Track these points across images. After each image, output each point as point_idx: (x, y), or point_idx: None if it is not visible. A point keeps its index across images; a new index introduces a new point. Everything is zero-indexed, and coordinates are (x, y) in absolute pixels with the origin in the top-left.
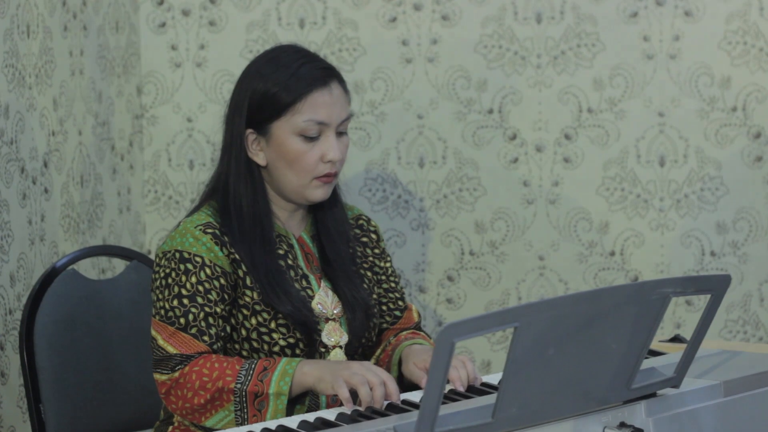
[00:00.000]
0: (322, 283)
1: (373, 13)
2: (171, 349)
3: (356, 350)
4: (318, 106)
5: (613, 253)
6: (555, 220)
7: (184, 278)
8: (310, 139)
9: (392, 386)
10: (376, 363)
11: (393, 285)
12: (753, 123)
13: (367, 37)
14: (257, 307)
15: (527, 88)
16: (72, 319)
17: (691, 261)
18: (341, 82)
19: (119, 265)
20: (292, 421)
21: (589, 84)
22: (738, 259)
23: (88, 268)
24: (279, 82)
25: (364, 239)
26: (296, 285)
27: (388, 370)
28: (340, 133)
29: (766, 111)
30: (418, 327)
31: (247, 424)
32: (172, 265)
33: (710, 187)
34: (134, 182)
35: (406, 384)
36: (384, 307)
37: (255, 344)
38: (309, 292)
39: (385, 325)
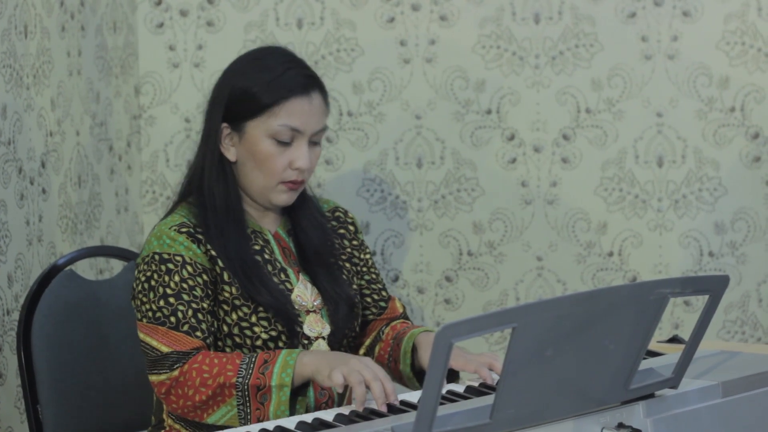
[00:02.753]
0: (301, 276)
1: (371, 13)
2: (165, 348)
3: (340, 342)
4: (295, 113)
5: (611, 254)
6: (553, 221)
7: (167, 278)
8: (282, 143)
9: (389, 385)
10: (369, 354)
11: (374, 276)
12: (751, 123)
13: (365, 37)
14: (237, 302)
15: (525, 88)
16: (70, 319)
17: (689, 261)
18: (323, 93)
19: (117, 265)
20: (290, 422)
21: (588, 84)
22: (736, 260)
23: (85, 269)
24: (261, 83)
25: (341, 231)
26: (275, 279)
27: (395, 359)
28: (313, 143)
29: (764, 111)
30: (405, 317)
31: (250, 417)
32: (153, 267)
33: (708, 187)
34: (132, 183)
35: (417, 370)
36: (368, 299)
37: (237, 339)
38: (288, 285)
39: (371, 317)
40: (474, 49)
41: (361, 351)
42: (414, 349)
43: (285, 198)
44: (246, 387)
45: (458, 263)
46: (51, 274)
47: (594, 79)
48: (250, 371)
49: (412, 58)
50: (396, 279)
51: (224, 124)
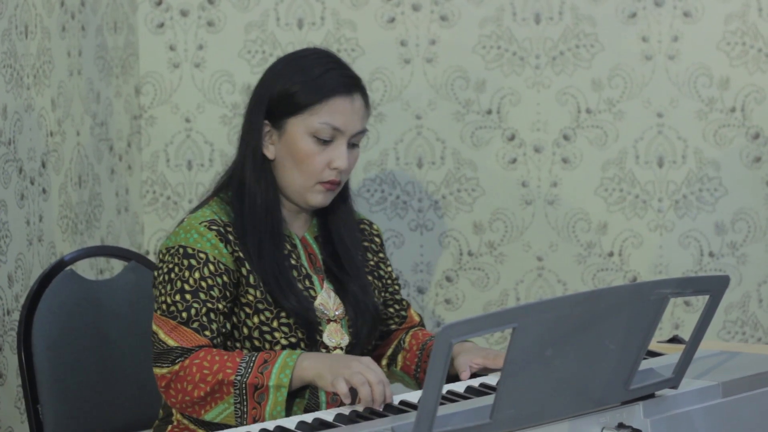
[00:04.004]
0: (325, 284)
1: (371, 13)
2: (172, 343)
3: (357, 353)
4: (337, 111)
5: (611, 254)
6: (553, 221)
7: (187, 273)
8: (322, 142)
9: (388, 391)
10: (392, 363)
11: (397, 287)
12: (752, 124)
13: (366, 37)
14: (260, 306)
15: (526, 88)
16: (70, 319)
17: (689, 262)
18: (365, 95)
19: (117, 265)
20: (290, 422)
21: (588, 85)
22: (737, 260)
23: (86, 269)
24: (304, 81)
25: (366, 243)
26: (299, 285)
27: (425, 370)
28: (353, 145)
29: (764, 112)
30: (422, 325)
31: (246, 416)
32: (176, 260)
33: (709, 187)
34: (132, 183)
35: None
36: (391, 310)
37: (256, 343)
38: (311, 292)
39: (393, 326)
40: (474, 49)
41: (384, 361)
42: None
43: (321, 199)
44: (244, 385)
45: (458, 263)
46: (51, 274)
47: (594, 79)
48: (250, 370)
49: (412, 59)
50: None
51: (265, 122)
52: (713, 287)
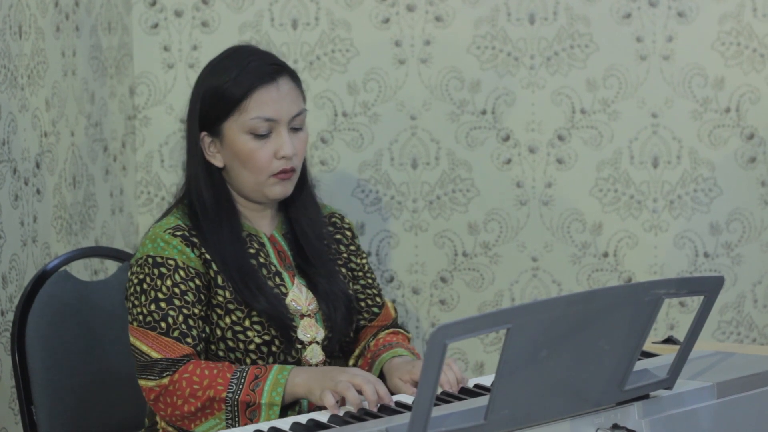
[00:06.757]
0: (296, 280)
1: (366, 13)
2: (155, 354)
3: (335, 347)
4: (265, 102)
5: (606, 255)
6: (548, 222)
7: (159, 282)
8: (261, 136)
9: (382, 389)
10: (355, 364)
11: (370, 281)
12: (746, 124)
13: (361, 38)
14: (230, 306)
15: (520, 89)
16: (64, 320)
17: (684, 262)
18: (293, 77)
19: (111, 266)
20: (285, 423)
21: (583, 85)
22: (731, 261)
23: (80, 270)
24: (226, 81)
25: (338, 236)
26: (269, 283)
27: None
28: (296, 129)
29: (759, 112)
30: (395, 324)
31: None
32: (146, 270)
33: (704, 188)
34: (127, 183)
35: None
36: (362, 303)
37: (230, 343)
38: (282, 289)
39: (363, 322)
40: (469, 49)
41: (351, 362)
42: (384, 377)
43: (279, 190)
44: (236, 403)
45: (453, 264)
46: (45, 274)
47: (589, 79)
48: (241, 387)
49: (407, 59)
50: (391, 280)
51: (203, 133)
52: (708, 288)
